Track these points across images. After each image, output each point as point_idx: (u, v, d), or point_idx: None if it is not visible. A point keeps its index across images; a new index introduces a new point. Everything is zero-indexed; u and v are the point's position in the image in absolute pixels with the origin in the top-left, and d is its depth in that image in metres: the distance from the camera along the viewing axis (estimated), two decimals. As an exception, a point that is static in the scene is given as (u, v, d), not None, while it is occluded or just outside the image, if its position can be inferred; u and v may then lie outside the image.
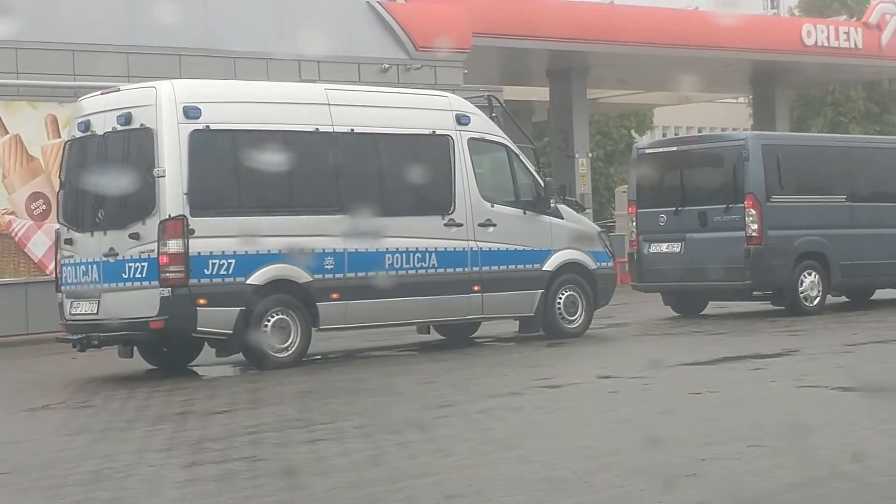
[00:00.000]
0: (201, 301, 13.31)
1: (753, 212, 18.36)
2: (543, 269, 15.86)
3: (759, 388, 11.04)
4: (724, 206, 18.69)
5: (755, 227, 18.36)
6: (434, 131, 15.30)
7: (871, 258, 19.41)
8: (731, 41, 32.25)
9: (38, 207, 21.00)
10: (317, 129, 14.36)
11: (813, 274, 18.82)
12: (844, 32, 35.66)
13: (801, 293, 18.72)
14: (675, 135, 53.90)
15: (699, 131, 48.66)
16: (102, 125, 13.89)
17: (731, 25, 32.40)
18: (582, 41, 30.66)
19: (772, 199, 18.54)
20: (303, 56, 24.77)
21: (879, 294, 21.04)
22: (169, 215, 13.23)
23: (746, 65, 35.49)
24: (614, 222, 35.04)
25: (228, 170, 13.97)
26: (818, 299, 18.87)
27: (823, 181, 19.77)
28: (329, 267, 14.14)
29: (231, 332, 13.49)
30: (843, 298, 20.65)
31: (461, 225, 15.19)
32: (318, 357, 15.08)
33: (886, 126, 49.60)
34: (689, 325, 18.17)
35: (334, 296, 14.14)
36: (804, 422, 9.08)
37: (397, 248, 14.64)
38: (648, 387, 11.44)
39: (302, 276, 13.96)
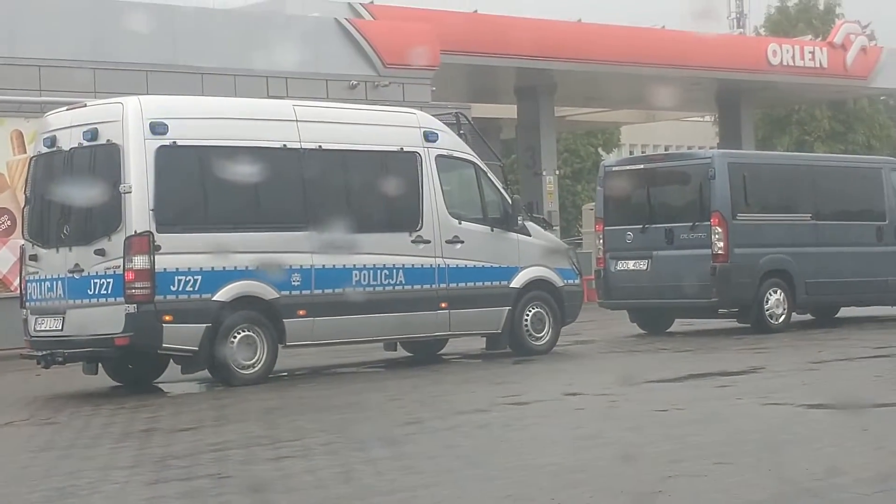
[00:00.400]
0: (167, 317, 13.25)
1: (719, 230, 18.44)
2: (511, 286, 15.87)
3: (725, 406, 11.07)
4: (691, 223, 18.76)
5: (721, 244, 18.44)
6: (402, 148, 15.31)
7: (836, 276, 19.51)
8: (698, 60, 32.44)
9: (2, 223, 20.89)
10: (284, 145, 14.34)
11: (778, 292, 18.91)
12: (810, 52, 35.94)
13: (767, 311, 18.80)
14: (642, 153, 54.17)
15: (666, 149, 48.83)
16: (69, 141, 13.83)
17: (698, 44, 32.59)
18: (549, 59, 30.79)
19: (738, 217, 18.63)
20: (271, 72, 24.78)
21: (844, 312, 21.15)
22: (135, 231, 13.18)
23: (713, 83, 35.68)
24: (581, 239, 35.12)
25: (195, 186, 13.92)
26: (783, 317, 18.95)
27: (789, 199, 19.88)
28: (296, 283, 14.11)
29: (197, 348, 13.43)
30: (809, 316, 20.74)
31: (429, 242, 15.19)
32: (285, 374, 15.03)
33: (851, 145, 49.96)
34: (656, 342, 18.21)
35: (301, 312, 14.11)
36: (770, 439, 9.11)
37: (364, 265, 14.63)
38: (615, 404, 11.45)
39: (269, 292, 13.92)
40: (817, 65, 35.76)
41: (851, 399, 10.98)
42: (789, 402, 10.95)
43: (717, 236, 18.44)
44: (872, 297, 20.08)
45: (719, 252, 18.44)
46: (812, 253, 19.31)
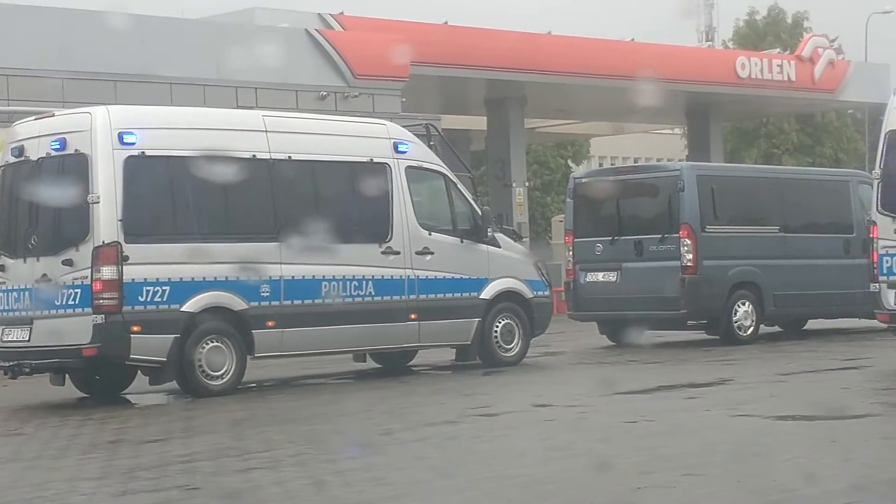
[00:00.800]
0: (135, 328, 13.19)
1: (688, 242, 18.50)
2: (480, 297, 15.87)
3: (694, 417, 11.09)
4: (660, 235, 18.81)
5: (690, 256, 18.49)
6: (372, 159, 15.29)
7: (804, 288, 19.58)
8: (667, 72, 32.56)
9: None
10: (254, 155, 14.30)
11: (747, 304, 18.97)
12: (778, 65, 36.13)
13: (735, 323, 18.86)
14: (612, 165, 54.34)
15: (635, 161, 49.01)
16: (36, 150, 13.75)
17: (668, 57, 32.72)
18: (519, 71, 30.85)
19: (706, 230, 18.69)
20: (240, 82, 24.74)
21: (812, 324, 21.23)
22: (103, 241, 13.11)
23: (682, 96, 35.81)
24: (551, 251, 35.17)
25: (164, 196, 13.86)
26: (752, 329, 19.01)
27: (757, 212, 19.96)
28: (265, 294, 14.07)
29: (165, 359, 13.37)
30: (777, 328, 20.82)
31: (398, 253, 15.17)
32: (254, 385, 14.98)
33: (818, 158, 50.25)
34: (625, 353, 18.24)
35: (270, 323, 14.07)
36: (739, 450, 9.12)
37: (334, 276, 14.59)
38: (584, 415, 11.45)
39: (238, 303, 13.88)
40: (785, 78, 35.95)
41: (820, 411, 11.02)
42: (758, 414, 10.98)
43: (686, 248, 18.49)
44: (840, 309, 20.15)
45: (688, 264, 18.49)
46: (780, 265, 19.39)
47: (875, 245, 14.46)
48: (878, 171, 14.64)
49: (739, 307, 18.91)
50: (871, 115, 44.87)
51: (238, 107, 22.54)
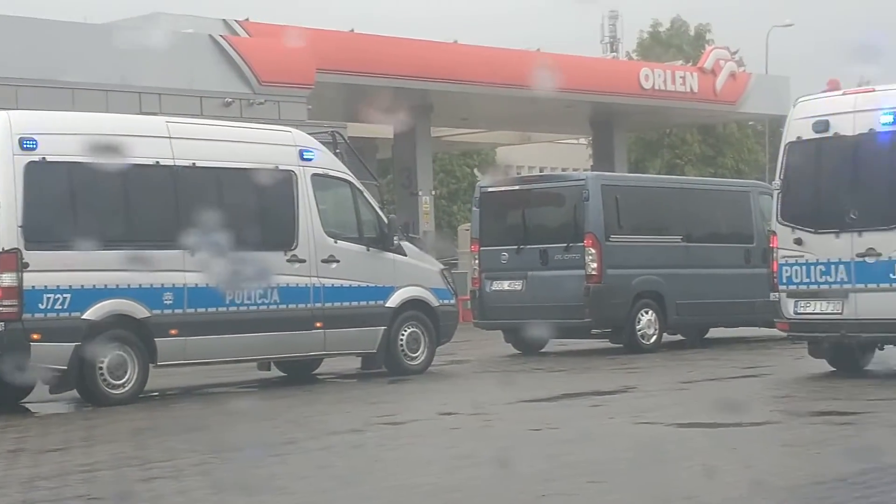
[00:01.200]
0: (35, 336, 12.98)
1: (593, 251, 18.64)
2: (386, 305, 15.85)
3: (598, 425, 11.17)
4: (565, 244, 18.94)
5: (595, 265, 18.63)
6: (277, 166, 15.20)
7: (706, 297, 19.81)
8: (572, 83, 32.81)
9: None
10: (157, 162, 14.15)
11: (650, 312, 19.16)
12: (681, 77, 36.58)
13: (639, 331, 19.03)
14: (518, 174, 54.57)
15: (541, 171, 49.30)
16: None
17: (572, 67, 32.96)
18: (426, 79, 30.89)
19: (611, 239, 18.85)
20: (144, 88, 24.49)
21: (713, 333, 21.50)
22: (3, 248, 12.89)
23: (586, 106, 36.10)
24: (457, 260, 35.25)
25: (65, 202, 13.66)
26: (655, 337, 19.20)
27: (660, 222, 20.17)
28: (168, 302, 13.93)
29: (66, 367, 13.17)
30: (679, 337, 21.04)
31: (304, 261, 15.10)
32: (156, 393, 14.81)
33: (720, 169, 50.98)
34: (530, 362, 18.32)
35: (173, 332, 13.93)
36: (642, 458, 9.20)
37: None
38: (489, 423, 11.48)
39: (140, 311, 13.72)
40: (688, 89, 36.40)
41: (721, 418, 11.15)
42: (661, 421, 11.09)
43: (590, 257, 18.63)
44: (741, 318, 20.41)
45: (593, 273, 18.63)
46: (683, 274, 19.60)
47: (774, 255, 14.67)
48: (778, 181, 14.86)
49: (643, 316, 19.09)
50: (772, 127, 45.65)
51: (142, 113, 22.30)
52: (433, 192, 35.51)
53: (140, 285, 13.75)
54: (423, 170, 33.96)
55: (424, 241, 21.16)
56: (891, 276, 13.67)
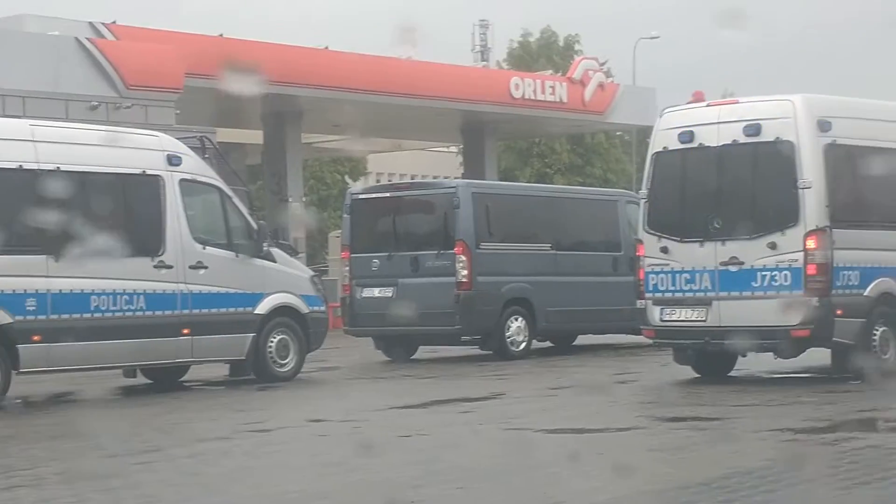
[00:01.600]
0: None
1: (463, 258, 18.72)
2: (255, 312, 15.72)
3: (468, 431, 11.21)
4: (436, 252, 19.00)
5: (465, 272, 18.72)
6: (144, 171, 15.00)
7: (575, 304, 20.02)
8: (442, 91, 32.91)
9: None
10: (20, 165, 13.86)
11: (519, 319, 19.31)
12: (550, 86, 36.90)
13: (508, 338, 19.16)
14: (389, 181, 54.61)
15: (412, 178, 49.39)
16: None
17: (443, 75, 33.08)
18: (296, 85, 30.73)
19: (481, 246, 18.96)
20: (7, 91, 23.99)
21: (581, 339, 21.74)
22: None
23: (457, 115, 36.25)
24: (327, 267, 35.14)
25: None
26: (524, 344, 19.35)
27: (530, 229, 20.34)
28: (31, 308, 13.65)
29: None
30: (548, 343, 21.23)
31: (171, 267, 14.91)
32: (19, 401, 14.48)
33: (588, 178, 51.58)
34: (400, 369, 18.32)
35: (36, 338, 13.65)
36: (511, 463, 9.26)
37: (104, 290, 14.25)
38: (359, 430, 11.46)
39: (1, 317, 13.42)
40: (557, 99, 36.73)
41: (588, 424, 11.27)
42: (529, 427, 11.17)
43: (461, 264, 18.71)
44: (608, 325, 20.67)
45: (463, 280, 18.71)
46: (552, 282, 19.79)
47: (641, 263, 14.89)
48: (644, 191, 15.08)
49: (512, 323, 19.22)
50: (639, 137, 46.33)
51: (5, 116, 21.83)
52: (303, 199, 35.31)
53: (2, 291, 13.46)
54: (294, 176, 33.77)
55: (295, 248, 20.96)
56: (753, 284, 13.96)
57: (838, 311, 13.76)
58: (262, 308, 15.82)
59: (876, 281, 14.11)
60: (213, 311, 15.28)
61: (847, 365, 14.16)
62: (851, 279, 13.91)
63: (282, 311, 16.05)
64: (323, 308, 16.80)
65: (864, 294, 14.01)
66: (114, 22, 28.51)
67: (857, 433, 10.21)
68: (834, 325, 13.76)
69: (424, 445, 10.33)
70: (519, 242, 19.89)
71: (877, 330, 14.11)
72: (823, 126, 13.89)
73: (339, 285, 21.71)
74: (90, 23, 27.89)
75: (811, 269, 13.67)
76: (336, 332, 19.95)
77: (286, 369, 16.07)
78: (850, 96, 15.44)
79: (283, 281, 16.17)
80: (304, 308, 16.30)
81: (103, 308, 14.24)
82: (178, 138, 16.24)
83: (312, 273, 17.62)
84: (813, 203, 13.69)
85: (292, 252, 17.97)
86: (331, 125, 37.15)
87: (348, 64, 32.10)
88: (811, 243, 13.66)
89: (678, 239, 14.57)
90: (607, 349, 20.88)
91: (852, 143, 14.20)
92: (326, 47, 33.24)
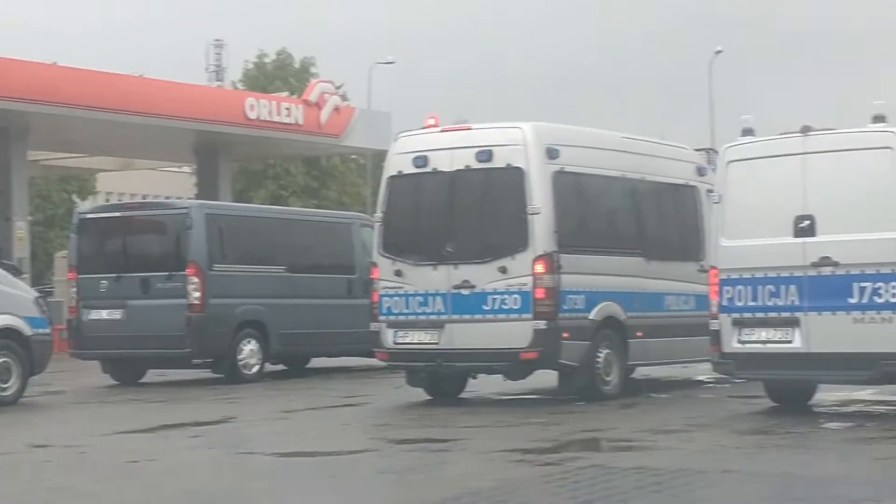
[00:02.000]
0: None
1: (195, 280, 18.45)
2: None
3: (197, 456, 11.04)
4: (167, 273, 18.66)
5: (197, 294, 18.44)
6: None
7: (308, 327, 19.98)
8: (175, 110, 32.39)
9: None
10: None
11: (253, 342, 19.14)
12: (286, 108, 36.77)
13: (241, 361, 18.95)
14: (119, 201, 53.46)
15: (144, 198, 48.47)
16: None
17: (176, 95, 32.61)
18: (21, 101, 29.72)
19: (214, 268, 18.72)
20: None
21: (315, 362, 21.70)
22: None
23: (190, 134, 35.75)
24: (53, 288, 34.08)
25: None
26: (257, 367, 19.18)
27: (265, 251, 20.19)
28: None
29: None
30: (282, 367, 21.11)
31: None
32: None
33: (324, 201, 51.72)
34: (128, 393, 17.90)
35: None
36: (242, 488, 9.16)
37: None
38: (84, 455, 11.13)
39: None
40: (293, 121, 36.63)
41: (321, 447, 11.25)
42: (261, 451, 11.08)
43: (192, 286, 18.43)
44: (343, 347, 20.71)
45: (195, 302, 18.43)
46: (286, 304, 19.69)
47: (375, 286, 14.98)
48: (379, 214, 15.19)
49: (245, 346, 19.03)
50: (374, 161, 46.70)
51: None
52: (29, 218, 34.17)
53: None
54: (19, 194, 32.58)
55: (19, 268, 20.28)
56: (483, 307, 14.22)
57: (565, 335, 14.15)
58: (-20, 330, 15.20)
59: (600, 305, 14.58)
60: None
61: (572, 386, 14.58)
62: (577, 303, 14.33)
63: (3, 333, 15.48)
64: (48, 330, 16.28)
65: (590, 317, 14.46)
66: None
67: (582, 453, 10.50)
68: (561, 348, 14.14)
69: (152, 471, 10.11)
70: (253, 264, 19.71)
71: (601, 352, 14.58)
72: (552, 153, 14.29)
73: (65, 307, 21.06)
74: None
75: (539, 293, 14.01)
76: (62, 355, 19.35)
77: (7, 393, 15.50)
78: (577, 125, 15.95)
79: (5, 302, 15.61)
80: (27, 330, 15.75)
81: None
82: None
83: (37, 294, 17.05)
84: (541, 228, 14.05)
85: (16, 272, 17.36)
86: (59, 142, 36.11)
87: (77, 80, 31.24)
88: (539, 268, 14.01)
89: (412, 262, 14.72)
90: (341, 372, 20.92)
91: (579, 170, 14.67)
92: (55, 63, 32.29)
